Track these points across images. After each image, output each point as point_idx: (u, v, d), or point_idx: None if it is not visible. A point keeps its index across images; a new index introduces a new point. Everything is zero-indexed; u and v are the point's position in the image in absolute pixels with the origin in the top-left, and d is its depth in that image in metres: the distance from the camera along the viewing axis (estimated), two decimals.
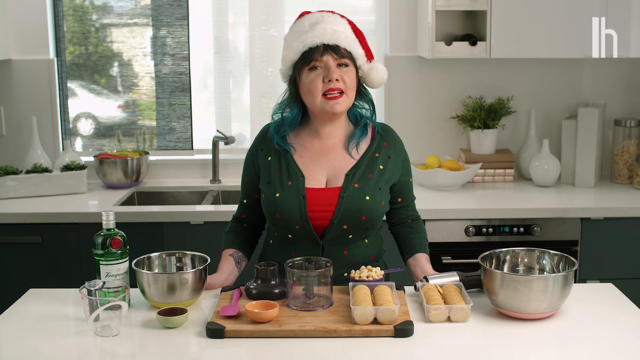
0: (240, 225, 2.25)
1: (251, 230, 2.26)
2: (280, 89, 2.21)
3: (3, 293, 2.81)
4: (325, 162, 2.12)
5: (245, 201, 2.24)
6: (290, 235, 2.11)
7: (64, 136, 3.60)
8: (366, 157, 2.12)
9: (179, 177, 3.57)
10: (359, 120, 2.16)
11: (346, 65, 2.05)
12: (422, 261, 2.16)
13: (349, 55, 2.06)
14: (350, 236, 2.10)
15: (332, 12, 2.11)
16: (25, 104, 3.49)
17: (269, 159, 2.14)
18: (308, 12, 2.11)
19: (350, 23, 2.12)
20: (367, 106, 2.17)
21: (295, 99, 2.12)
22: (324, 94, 2.03)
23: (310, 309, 1.86)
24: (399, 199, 2.19)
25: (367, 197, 2.07)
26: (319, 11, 2.11)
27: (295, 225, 2.07)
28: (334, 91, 2.03)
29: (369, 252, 2.15)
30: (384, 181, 2.12)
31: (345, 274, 2.11)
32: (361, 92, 2.15)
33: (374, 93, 3.51)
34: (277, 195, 2.08)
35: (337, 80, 2.03)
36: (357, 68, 2.09)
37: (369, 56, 2.12)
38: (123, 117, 3.65)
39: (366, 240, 2.14)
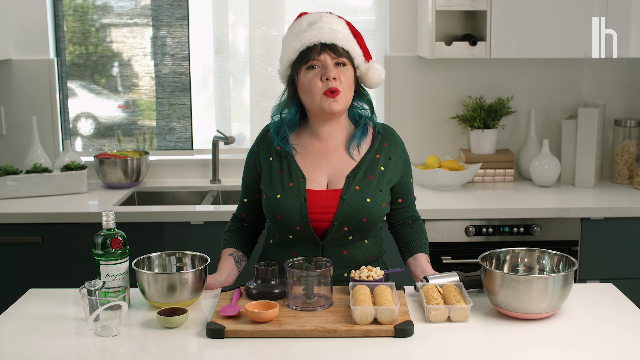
0: (240, 225, 2.25)
1: (251, 229, 2.26)
2: (280, 89, 2.22)
3: (3, 293, 2.81)
4: (326, 163, 2.12)
5: (245, 200, 2.24)
6: (290, 236, 2.11)
7: (64, 136, 3.60)
8: (367, 159, 2.12)
9: (179, 177, 3.57)
10: (359, 121, 2.17)
11: (344, 65, 2.05)
12: (422, 261, 2.16)
13: (347, 55, 2.06)
14: (351, 237, 2.10)
15: (330, 13, 2.12)
16: (25, 104, 3.49)
17: (270, 159, 2.14)
18: (306, 13, 2.12)
19: (348, 24, 2.13)
20: (366, 106, 2.17)
21: (293, 99, 2.12)
22: (324, 93, 2.04)
23: (310, 309, 1.86)
24: (400, 200, 2.19)
25: (368, 200, 2.07)
26: (317, 12, 2.11)
27: (295, 226, 2.07)
28: (332, 90, 2.03)
29: (369, 252, 2.15)
30: (384, 183, 2.12)
31: (345, 274, 2.11)
32: (359, 93, 2.15)
33: (374, 93, 3.51)
34: (278, 196, 2.08)
35: (334, 79, 2.03)
36: (354, 68, 2.09)
37: (367, 56, 2.13)
38: (123, 117, 3.65)
39: (366, 241, 2.14)
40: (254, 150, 2.20)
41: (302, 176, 2.09)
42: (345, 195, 2.06)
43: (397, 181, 2.16)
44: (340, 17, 2.12)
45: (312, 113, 2.12)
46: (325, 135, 2.14)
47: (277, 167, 2.12)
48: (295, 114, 2.14)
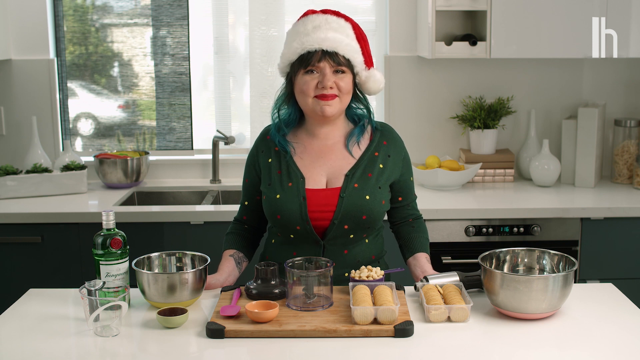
0: (241, 227, 2.25)
1: (252, 231, 2.26)
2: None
3: (3, 293, 2.81)
4: (325, 162, 2.12)
5: (246, 203, 2.24)
6: (292, 236, 2.11)
7: (64, 136, 3.60)
8: (365, 157, 2.12)
9: (179, 177, 3.57)
10: (356, 122, 2.17)
11: (343, 72, 2.05)
12: (422, 261, 2.16)
13: (347, 63, 2.05)
14: (352, 236, 2.10)
15: (337, 13, 2.09)
16: (25, 104, 3.49)
17: (270, 160, 2.14)
18: (314, 12, 2.09)
19: (355, 26, 2.10)
20: (362, 107, 2.17)
21: (291, 96, 2.12)
22: (316, 96, 2.03)
23: (310, 309, 1.86)
24: (400, 198, 2.19)
25: (367, 197, 2.07)
26: (323, 11, 2.08)
27: (296, 226, 2.07)
28: (327, 97, 2.03)
29: (369, 252, 2.15)
30: (383, 180, 2.12)
31: (346, 274, 2.11)
32: (358, 97, 2.15)
33: None
34: (278, 196, 2.08)
35: (331, 87, 2.02)
36: (354, 74, 2.09)
37: (369, 63, 2.11)
38: (123, 117, 3.65)
39: (367, 240, 2.14)
40: (253, 153, 2.20)
41: (301, 176, 2.09)
42: (345, 193, 2.07)
43: (397, 179, 2.16)
44: (348, 20, 2.10)
45: (307, 114, 2.12)
46: (323, 135, 2.14)
47: (276, 168, 2.12)
48: (293, 112, 2.14)
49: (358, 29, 2.10)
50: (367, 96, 2.18)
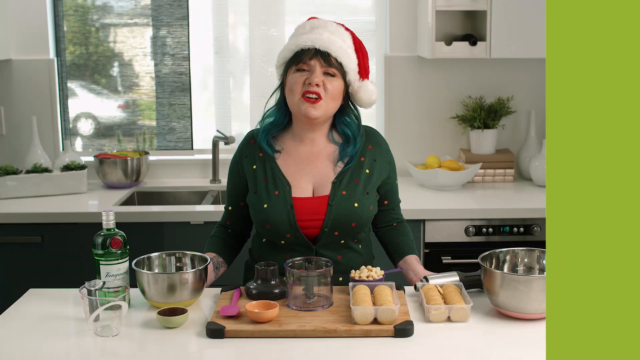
0: (224, 231, 2.23)
1: (235, 237, 2.23)
2: None
3: (3, 293, 2.81)
4: (311, 170, 2.10)
5: (230, 208, 2.21)
6: (282, 242, 2.10)
7: (64, 136, 3.60)
8: (352, 163, 2.11)
9: (179, 177, 3.57)
10: (347, 137, 2.13)
11: (333, 75, 2.04)
12: (413, 262, 2.15)
13: (339, 66, 2.04)
14: (342, 241, 2.10)
15: (340, 23, 2.10)
16: (25, 104, 3.49)
17: (254, 167, 2.12)
18: (315, 18, 2.12)
19: (356, 39, 2.11)
20: (355, 127, 2.14)
21: (283, 97, 2.12)
22: (303, 95, 2.03)
23: (310, 308, 1.86)
24: (385, 202, 2.19)
25: (356, 204, 2.06)
26: (326, 19, 2.10)
27: (286, 234, 2.06)
28: (312, 94, 2.01)
29: (361, 257, 2.16)
30: (371, 185, 2.11)
31: (340, 279, 2.09)
32: (349, 107, 2.13)
33: None
34: (265, 206, 2.06)
35: (317, 85, 2.01)
36: (346, 82, 2.08)
37: (363, 74, 2.10)
38: (123, 117, 3.65)
39: (360, 246, 2.15)
40: (236, 158, 2.17)
41: (287, 184, 2.08)
42: (333, 202, 2.06)
43: (383, 182, 2.15)
44: (348, 30, 2.11)
45: (295, 116, 2.11)
46: (309, 141, 2.12)
47: (262, 175, 2.10)
48: (281, 114, 2.13)
49: (358, 42, 2.11)
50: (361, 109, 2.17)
